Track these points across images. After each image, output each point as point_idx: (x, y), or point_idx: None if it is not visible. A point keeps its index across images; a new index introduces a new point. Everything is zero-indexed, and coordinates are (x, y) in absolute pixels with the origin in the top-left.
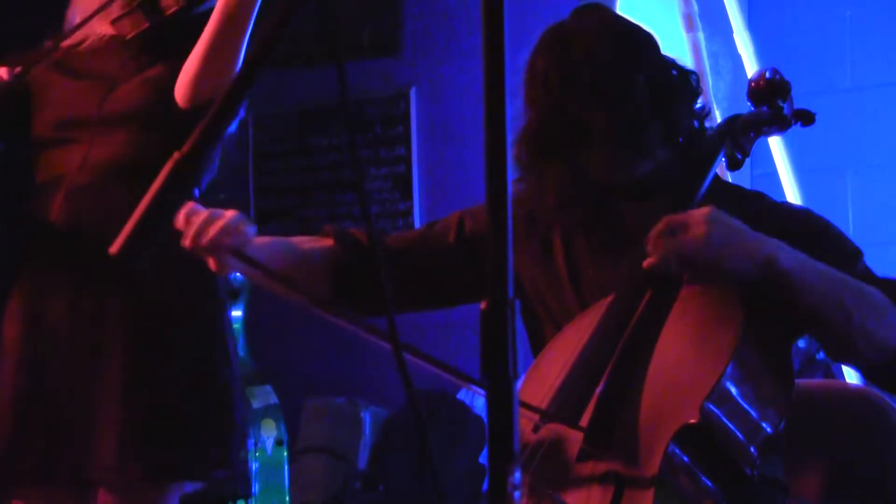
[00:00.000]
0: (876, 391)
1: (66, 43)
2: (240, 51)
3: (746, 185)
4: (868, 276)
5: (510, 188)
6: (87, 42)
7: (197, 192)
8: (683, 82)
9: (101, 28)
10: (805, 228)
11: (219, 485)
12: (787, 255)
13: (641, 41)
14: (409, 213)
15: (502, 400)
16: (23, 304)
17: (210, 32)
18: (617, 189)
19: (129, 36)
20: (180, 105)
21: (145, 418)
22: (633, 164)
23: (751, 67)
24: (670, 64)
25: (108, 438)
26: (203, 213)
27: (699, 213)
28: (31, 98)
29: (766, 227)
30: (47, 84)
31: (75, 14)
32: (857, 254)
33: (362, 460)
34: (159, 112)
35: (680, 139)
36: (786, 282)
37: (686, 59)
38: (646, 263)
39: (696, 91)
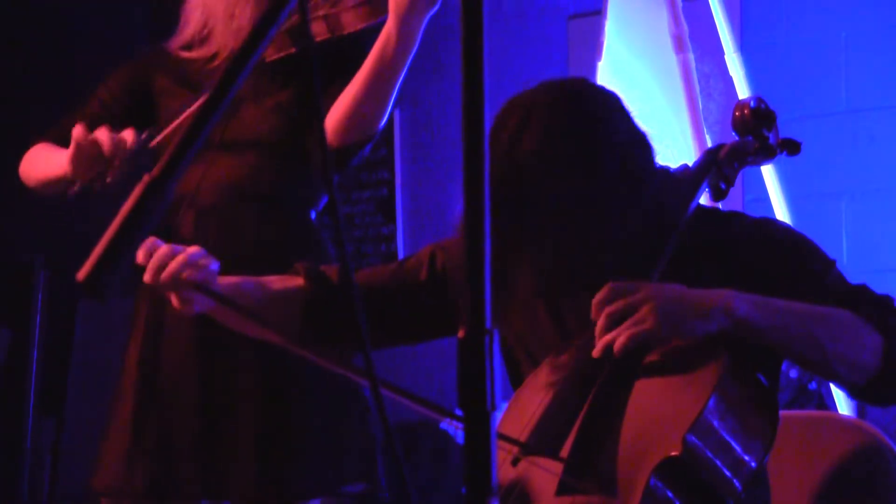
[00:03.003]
0: (869, 423)
1: (195, 55)
2: (393, 95)
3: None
4: (840, 289)
5: (488, 215)
6: (220, 59)
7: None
8: (644, 147)
9: (231, 42)
10: (779, 243)
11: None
12: (743, 303)
13: (605, 113)
14: (393, 237)
15: (479, 432)
16: (144, 318)
17: (365, 75)
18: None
19: (271, 59)
20: (330, 142)
21: (284, 436)
22: (604, 233)
23: (743, 89)
24: (633, 132)
25: (246, 456)
26: (164, 247)
27: (640, 296)
28: (153, 103)
29: (744, 248)
30: (170, 94)
31: (203, 20)
32: (828, 264)
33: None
34: (287, 138)
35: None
36: (748, 327)
37: (675, 81)
38: (595, 353)
39: (647, 150)
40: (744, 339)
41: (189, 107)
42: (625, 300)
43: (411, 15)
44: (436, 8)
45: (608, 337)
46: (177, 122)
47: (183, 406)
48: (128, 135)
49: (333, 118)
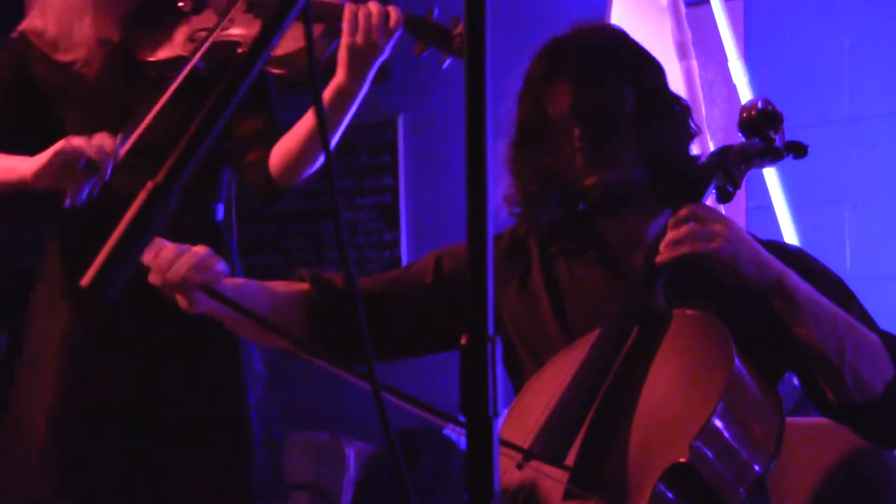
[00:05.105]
0: None
1: (69, 58)
2: (337, 138)
3: (741, 218)
4: (866, 322)
5: (491, 221)
6: (94, 66)
7: (221, 212)
8: (674, 110)
9: (87, 53)
10: (801, 266)
11: None
12: (796, 280)
13: (642, 59)
14: (396, 243)
15: (482, 438)
16: (72, 325)
17: (311, 120)
18: (586, 195)
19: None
20: (276, 182)
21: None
22: (601, 170)
23: (746, 96)
24: (670, 94)
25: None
26: (170, 247)
27: (716, 219)
28: (39, 98)
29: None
30: (66, 97)
31: (58, 28)
32: (850, 297)
33: (346, 497)
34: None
35: (661, 164)
36: (791, 304)
37: (678, 87)
38: (663, 246)
39: (687, 124)
40: (779, 313)
41: (144, 107)
42: (702, 217)
43: (364, 68)
44: (385, 55)
45: (674, 249)
46: (141, 127)
47: (118, 419)
48: (104, 139)
49: (275, 159)
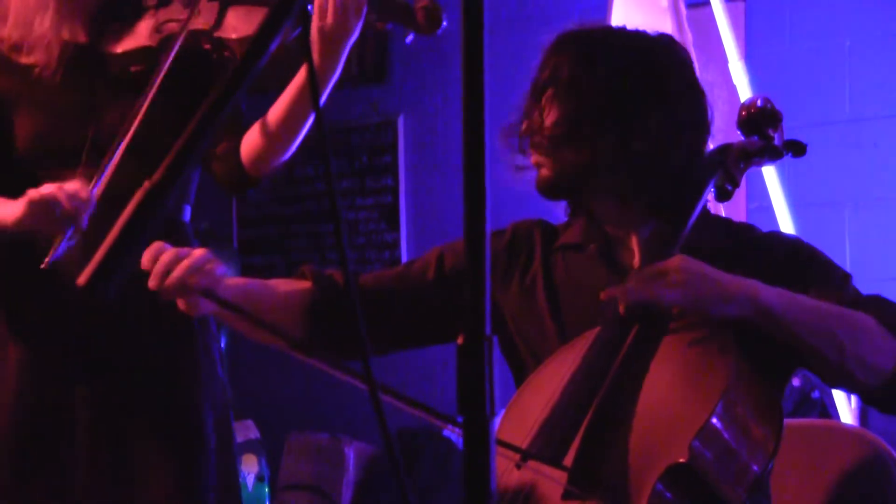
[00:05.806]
0: (872, 432)
1: (30, 61)
2: (309, 124)
3: (742, 218)
4: (857, 300)
5: (489, 221)
6: (54, 66)
7: (189, 213)
8: (670, 124)
9: (44, 55)
10: (794, 257)
11: None
12: (769, 293)
13: (639, 65)
14: (397, 244)
15: (478, 438)
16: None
17: (284, 108)
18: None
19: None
20: (248, 172)
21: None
22: (541, 157)
23: (747, 97)
24: (671, 104)
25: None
26: (169, 252)
27: (672, 263)
28: None
29: (756, 259)
30: (20, 103)
31: (22, 28)
32: (845, 278)
33: (346, 498)
34: (157, 136)
35: (645, 170)
36: (772, 319)
37: None
38: (621, 309)
39: (683, 136)
40: (764, 331)
41: (107, 111)
42: (657, 265)
43: (337, 51)
44: (355, 36)
45: (632, 294)
46: (112, 166)
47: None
48: (77, 186)
49: (248, 148)
